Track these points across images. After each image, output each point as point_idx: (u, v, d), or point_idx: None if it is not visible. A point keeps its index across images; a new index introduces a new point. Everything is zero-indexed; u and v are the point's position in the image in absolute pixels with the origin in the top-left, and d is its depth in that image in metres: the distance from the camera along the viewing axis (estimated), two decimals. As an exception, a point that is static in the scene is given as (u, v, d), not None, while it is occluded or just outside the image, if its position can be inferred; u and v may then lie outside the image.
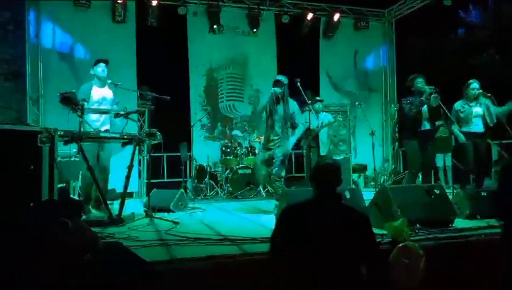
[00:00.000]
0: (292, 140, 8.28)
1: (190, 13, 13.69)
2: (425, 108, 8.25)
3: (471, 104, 8.61)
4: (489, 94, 8.50)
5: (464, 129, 8.56)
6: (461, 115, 8.60)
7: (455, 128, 8.49)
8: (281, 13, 14.40)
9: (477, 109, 8.59)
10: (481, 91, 8.56)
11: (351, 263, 3.53)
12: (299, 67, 12.77)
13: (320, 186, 3.83)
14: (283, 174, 8.14)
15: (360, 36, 15.54)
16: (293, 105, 8.13)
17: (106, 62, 7.95)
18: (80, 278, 3.27)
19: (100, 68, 7.84)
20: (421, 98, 8.17)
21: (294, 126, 8.21)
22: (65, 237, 3.45)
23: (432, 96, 8.09)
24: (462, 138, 8.43)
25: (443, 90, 8.33)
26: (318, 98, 10.25)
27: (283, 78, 8.10)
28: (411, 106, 8.22)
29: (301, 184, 11.64)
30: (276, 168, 8.03)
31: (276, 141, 8.02)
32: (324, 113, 10.29)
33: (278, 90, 7.93)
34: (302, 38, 14.75)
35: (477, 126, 8.58)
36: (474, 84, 8.62)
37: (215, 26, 13.87)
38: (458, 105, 8.68)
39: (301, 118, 8.41)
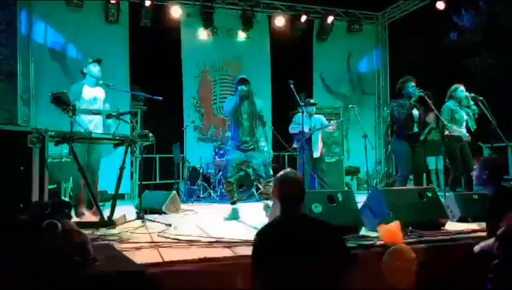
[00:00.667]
0: (269, 148, 8.27)
1: (183, 14, 13.67)
2: (415, 111, 8.27)
3: (461, 107, 8.68)
4: (481, 98, 8.53)
5: (452, 132, 8.57)
6: (456, 115, 8.62)
7: (452, 126, 8.50)
8: (274, 15, 14.41)
9: (465, 113, 8.67)
10: (471, 94, 8.60)
11: (329, 277, 3.48)
12: (293, 69, 12.80)
13: (285, 202, 3.72)
14: (271, 173, 8.10)
15: (354, 39, 15.60)
16: (259, 103, 8.11)
17: (99, 62, 7.91)
18: (69, 280, 3.24)
19: (95, 68, 7.79)
20: (411, 101, 8.20)
21: (263, 123, 8.20)
22: (55, 239, 3.42)
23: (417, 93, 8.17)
24: (464, 133, 8.44)
25: (436, 93, 8.35)
26: (311, 100, 10.22)
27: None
28: (401, 109, 8.24)
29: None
30: (264, 170, 7.99)
31: (250, 143, 7.96)
32: (317, 115, 10.26)
33: (244, 87, 7.90)
34: (296, 41, 14.77)
35: (465, 129, 8.67)
36: (461, 88, 8.72)
37: (208, 28, 13.86)
38: (451, 104, 8.69)
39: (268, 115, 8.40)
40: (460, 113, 8.60)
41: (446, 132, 8.55)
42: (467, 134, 8.54)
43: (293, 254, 3.42)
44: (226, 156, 7.98)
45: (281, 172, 3.85)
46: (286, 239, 3.51)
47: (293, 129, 9.75)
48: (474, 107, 8.66)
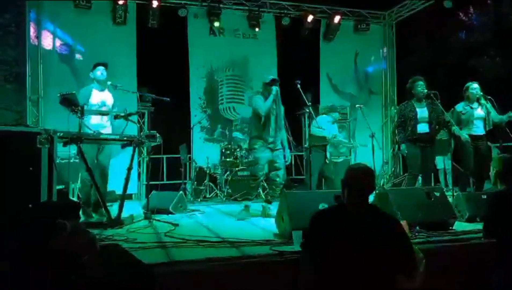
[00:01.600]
0: (287, 152, 8.29)
1: (190, 15, 13.69)
2: (425, 111, 8.28)
3: (472, 106, 8.58)
4: (489, 97, 8.51)
5: (465, 131, 8.54)
6: (463, 117, 8.55)
7: (456, 129, 8.46)
8: (281, 15, 14.41)
9: (479, 111, 8.56)
10: (481, 93, 8.56)
11: (386, 271, 3.49)
12: (300, 69, 12.78)
13: (352, 192, 3.74)
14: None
15: (361, 38, 15.55)
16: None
17: (105, 65, 7.90)
18: (78, 280, 3.26)
19: (99, 72, 7.79)
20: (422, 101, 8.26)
21: (285, 127, 8.27)
22: (63, 239, 3.44)
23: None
24: (465, 136, 8.39)
25: (444, 92, 8.34)
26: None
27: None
28: (411, 108, 8.28)
29: (300, 187, 11.64)
30: (283, 173, 8.02)
31: (276, 143, 7.97)
32: (324, 115, 10.27)
33: (277, 88, 7.92)
34: (302, 40, 14.74)
35: (478, 129, 8.54)
36: (474, 85, 8.62)
37: (215, 28, 13.88)
38: (459, 106, 8.64)
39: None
40: (470, 113, 8.54)
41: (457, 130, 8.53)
42: (467, 136, 8.44)
43: (349, 240, 3.45)
44: (255, 154, 7.95)
45: (354, 163, 3.95)
46: (346, 225, 3.55)
47: (316, 132, 9.73)
48: (484, 103, 8.60)
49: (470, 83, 8.68)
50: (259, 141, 7.95)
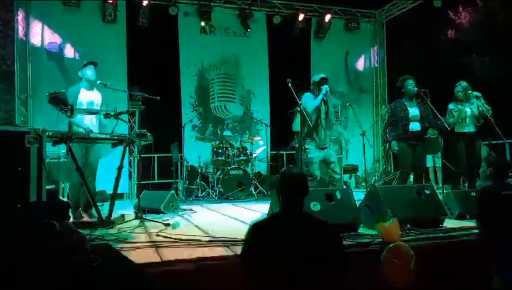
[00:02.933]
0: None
1: (181, 13, 13.67)
2: (416, 110, 8.32)
3: (463, 104, 8.72)
4: (479, 94, 8.57)
5: (457, 129, 8.66)
6: (454, 114, 8.65)
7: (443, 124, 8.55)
8: (272, 13, 14.43)
9: (469, 110, 8.68)
10: (470, 91, 8.62)
11: (322, 276, 3.48)
12: (290, 67, 12.76)
13: (287, 198, 3.72)
14: None
15: (351, 37, 15.61)
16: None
17: (95, 64, 7.86)
18: (67, 280, 3.23)
19: (89, 71, 7.72)
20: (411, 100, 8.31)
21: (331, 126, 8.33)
22: (53, 239, 3.42)
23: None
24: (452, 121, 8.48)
25: (434, 91, 8.37)
26: None
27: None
28: (402, 107, 8.32)
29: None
30: (338, 168, 8.15)
31: (326, 141, 8.01)
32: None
33: (328, 87, 7.94)
34: (293, 39, 14.75)
35: (469, 127, 8.69)
36: (462, 85, 8.72)
37: (206, 27, 13.85)
38: (451, 105, 8.78)
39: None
40: (460, 111, 8.61)
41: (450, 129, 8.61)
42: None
43: (289, 250, 3.42)
44: (308, 154, 7.93)
45: (285, 168, 3.86)
46: (284, 234, 3.51)
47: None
48: (474, 101, 8.72)
49: (460, 82, 8.77)
50: (309, 140, 7.97)
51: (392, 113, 8.52)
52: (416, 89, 8.25)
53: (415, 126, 8.33)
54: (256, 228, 3.68)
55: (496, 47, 15.37)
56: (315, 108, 7.83)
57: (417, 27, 16.24)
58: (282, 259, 3.40)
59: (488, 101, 8.61)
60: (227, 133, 12.60)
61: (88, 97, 7.67)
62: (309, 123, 7.83)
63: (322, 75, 8.13)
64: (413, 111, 8.38)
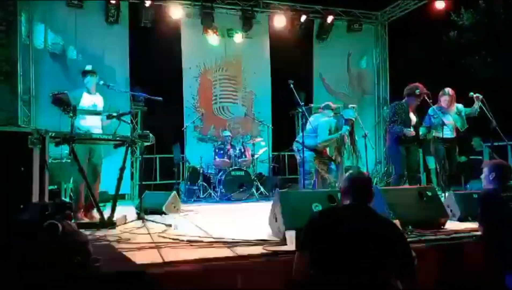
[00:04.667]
0: None
1: (183, 14, 13.67)
2: (414, 116, 8.64)
3: (444, 111, 8.86)
4: (481, 96, 8.59)
5: (435, 134, 8.91)
6: (433, 120, 8.85)
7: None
8: (274, 15, 14.39)
9: (448, 118, 8.84)
10: (471, 93, 8.67)
11: (382, 275, 3.49)
12: (293, 68, 12.78)
13: (356, 194, 3.80)
14: None
15: (353, 38, 15.62)
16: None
17: (92, 73, 7.85)
18: (70, 281, 3.24)
19: (86, 80, 7.77)
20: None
21: None
22: (55, 239, 3.42)
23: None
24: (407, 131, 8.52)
25: (435, 92, 8.41)
26: (331, 104, 10.24)
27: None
28: (401, 110, 8.46)
29: (294, 186, 11.65)
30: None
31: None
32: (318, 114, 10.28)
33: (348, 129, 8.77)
34: (296, 40, 14.75)
35: (448, 133, 8.83)
36: (447, 94, 8.92)
37: (208, 28, 13.85)
38: (431, 110, 8.92)
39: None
40: (439, 118, 8.70)
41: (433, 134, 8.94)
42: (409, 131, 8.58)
43: (349, 240, 3.45)
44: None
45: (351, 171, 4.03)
46: (346, 224, 3.56)
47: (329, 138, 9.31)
48: (461, 108, 8.93)
49: (444, 90, 8.87)
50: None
51: (396, 112, 8.56)
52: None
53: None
54: (321, 213, 3.75)
55: (498, 48, 15.34)
56: (325, 141, 8.05)
57: (419, 29, 16.21)
58: (339, 251, 3.45)
59: (490, 102, 8.63)
60: (226, 133, 12.57)
61: (91, 101, 7.70)
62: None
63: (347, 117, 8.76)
64: (413, 116, 8.64)
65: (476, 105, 8.64)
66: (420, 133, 8.81)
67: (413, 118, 8.60)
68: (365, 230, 3.54)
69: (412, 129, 8.42)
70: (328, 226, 3.63)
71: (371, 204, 3.80)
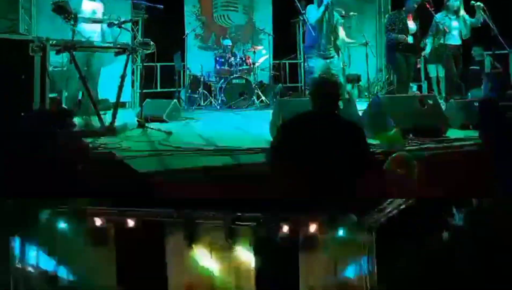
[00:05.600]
0: None
1: None
2: (413, 24, 8.61)
3: (451, 17, 8.80)
4: (482, 4, 8.48)
5: (442, 41, 8.83)
6: (440, 26, 8.75)
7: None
8: None
9: (455, 24, 8.80)
10: (473, 2, 8.57)
11: (346, 173, 3.56)
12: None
13: (320, 100, 3.85)
14: None
15: None
16: None
17: None
18: (72, 187, 3.29)
19: None
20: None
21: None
22: (56, 146, 3.45)
23: None
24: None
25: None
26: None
27: None
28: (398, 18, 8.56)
29: (295, 94, 11.64)
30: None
31: (332, 51, 8.07)
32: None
33: None
34: None
35: (454, 39, 8.83)
36: None
37: None
38: (439, 16, 8.83)
39: None
40: (447, 24, 8.64)
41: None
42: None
43: (316, 145, 3.52)
44: (309, 63, 7.97)
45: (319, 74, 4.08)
46: (313, 131, 3.61)
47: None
48: (467, 17, 8.82)
49: None
50: (313, 50, 7.88)
51: (392, 22, 8.56)
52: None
53: (409, 39, 8.52)
54: (286, 124, 3.79)
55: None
56: (317, 19, 7.71)
57: None
58: (308, 153, 3.51)
59: (492, 10, 8.56)
60: (227, 42, 12.41)
61: (91, 6, 7.60)
62: (312, 32, 7.73)
63: None
64: (411, 24, 8.61)
65: (478, 14, 8.52)
66: (427, 41, 8.79)
67: (412, 26, 8.57)
68: (323, 144, 3.61)
69: (405, 36, 8.37)
70: (291, 138, 3.70)
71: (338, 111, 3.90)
